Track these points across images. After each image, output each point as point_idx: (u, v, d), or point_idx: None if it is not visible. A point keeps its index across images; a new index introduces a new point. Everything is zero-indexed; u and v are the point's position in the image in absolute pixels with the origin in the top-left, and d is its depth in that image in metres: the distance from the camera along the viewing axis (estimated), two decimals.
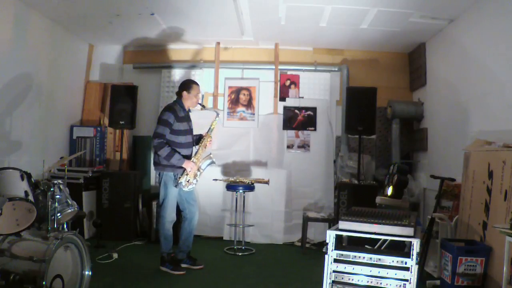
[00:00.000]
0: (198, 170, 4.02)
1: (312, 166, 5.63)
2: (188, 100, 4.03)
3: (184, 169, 3.90)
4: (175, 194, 3.95)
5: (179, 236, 4.11)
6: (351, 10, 4.53)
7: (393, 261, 2.50)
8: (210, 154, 4.14)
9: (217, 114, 4.23)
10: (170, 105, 4.01)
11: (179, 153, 3.86)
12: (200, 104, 4.23)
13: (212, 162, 4.12)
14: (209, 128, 4.13)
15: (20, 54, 4.52)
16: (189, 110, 4.14)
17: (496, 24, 3.81)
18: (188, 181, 3.94)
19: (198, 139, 4.13)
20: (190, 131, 4.06)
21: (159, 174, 3.97)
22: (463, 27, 4.47)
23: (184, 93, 4.01)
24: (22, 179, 2.95)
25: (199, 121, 4.82)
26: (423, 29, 4.98)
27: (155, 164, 3.97)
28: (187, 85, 4.05)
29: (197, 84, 4.10)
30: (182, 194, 4.02)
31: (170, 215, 3.94)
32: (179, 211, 4.07)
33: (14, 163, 3.94)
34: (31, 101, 4.73)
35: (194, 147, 4.12)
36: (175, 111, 3.92)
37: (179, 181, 3.90)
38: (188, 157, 3.97)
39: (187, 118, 4.05)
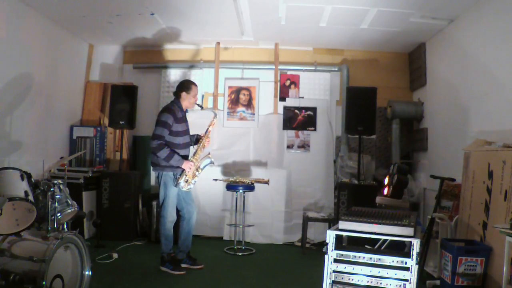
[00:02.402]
0: (197, 170, 4.02)
1: (312, 166, 5.63)
2: (186, 101, 4.03)
3: (183, 170, 3.90)
4: (175, 193, 3.95)
5: (179, 236, 4.12)
6: (351, 10, 4.53)
7: (393, 261, 2.50)
8: (209, 153, 4.14)
9: (215, 115, 4.23)
10: (168, 106, 4.00)
11: (178, 154, 3.87)
12: (198, 104, 4.22)
13: (211, 162, 4.12)
14: (207, 129, 4.13)
15: (20, 54, 4.52)
16: (186, 111, 4.14)
17: (496, 24, 3.81)
18: (186, 182, 3.95)
19: (196, 140, 4.14)
20: (187, 131, 4.07)
21: (158, 175, 3.98)
22: (463, 27, 4.47)
23: (183, 93, 4.01)
24: (22, 179, 2.95)
25: (198, 121, 4.83)
26: (423, 29, 4.98)
27: (154, 165, 3.97)
28: (186, 85, 4.04)
29: (195, 85, 4.10)
30: (180, 194, 4.02)
31: (170, 215, 3.94)
32: (177, 211, 4.07)
33: (14, 163, 3.94)
34: (31, 101, 4.73)
35: (192, 147, 4.13)
36: (174, 112, 3.92)
37: (179, 181, 3.90)
38: (186, 158, 3.98)
39: (185, 119, 4.06)
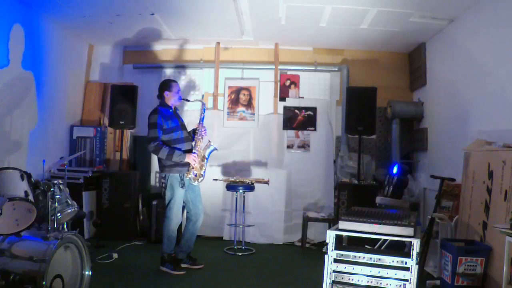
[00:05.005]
0: (203, 160, 4.05)
1: (312, 166, 5.63)
2: (171, 99, 4.09)
3: (189, 164, 3.92)
4: (181, 195, 3.96)
5: (182, 236, 4.13)
6: (351, 10, 4.53)
7: (393, 261, 2.49)
8: (209, 141, 4.19)
9: (203, 104, 4.33)
10: (154, 108, 4.05)
11: (179, 149, 3.89)
12: (184, 99, 4.34)
13: (214, 149, 4.17)
14: (200, 118, 4.18)
15: (20, 54, 4.52)
16: (177, 109, 4.21)
17: (496, 24, 3.81)
18: (196, 175, 3.96)
19: (193, 133, 4.18)
20: (182, 126, 4.10)
21: (164, 176, 3.99)
22: (463, 27, 4.47)
23: (166, 92, 4.07)
24: (22, 179, 2.95)
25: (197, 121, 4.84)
26: (423, 29, 4.97)
27: (161, 167, 4.00)
28: (167, 84, 4.12)
29: (175, 81, 4.20)
30: (189, 196, 4.04)
31: (176, 217, 3.95)
32: (183, 212, 4.08)
33: (14, 163, 3.94)
34: (31, 101, 4.73)
35: (192, 142, 4.16)
36: (160, 112, 3.97)
37: (187, 177, 3.92)
38: (189, 151, 3.99)
39: (175, 116, 4.10)
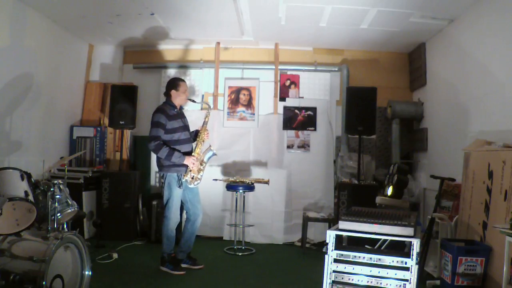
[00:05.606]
0: (201, 164, 4.04)
1: (312, 166, 5.63)
2: (178, 98, 4.06)
3: (187, 166, 3.91)
4: (179, 195, 3.96)
5: (181, 236, 4.13)
6: (351, 10, 4.54)
7: (393, 261, 2.50)
8: (210, 146, 4.17)
9: (210, 107, 4.32)
10: (159, 107, 4.04)
11: (178, 150, 3.88)
12: (190, 99, 4.30)
13: (214, 154, 4.15)
14: (204, 121, 4.16)
15: (20, 54, 4.52)
16: (182, 108, 4.18)
17: (496, 24, 3.81)
18: (193, 178, 3.96)
19: (195, 135, 4.16)
20: (185, 127, 4.09)
21: (162, 176, 3.99)
22: (463, 27, 4.47)
23: (173, 91, 4.04)
24: (22, 179, 2.95)
25: (199, 122, 4.83)
26: (423, 29, 4.98)
27: (159, 166, 3.99)
28: (174, 83, 4.08)
29: (183, 80, 4.16)
30: (187, 195, 4.03)
31: (174, 216, 3.95)
32: (182, 212, 4.07)
33: (14, 163, 3.94)
34: (31, 101, 4.73)
35: (193, 143, 4.15)
36: (165, 111, 3.95)
37: (184, 179, 3.91)
38: (189, 153, 3.98)
39: (180, 116, 4.08)
